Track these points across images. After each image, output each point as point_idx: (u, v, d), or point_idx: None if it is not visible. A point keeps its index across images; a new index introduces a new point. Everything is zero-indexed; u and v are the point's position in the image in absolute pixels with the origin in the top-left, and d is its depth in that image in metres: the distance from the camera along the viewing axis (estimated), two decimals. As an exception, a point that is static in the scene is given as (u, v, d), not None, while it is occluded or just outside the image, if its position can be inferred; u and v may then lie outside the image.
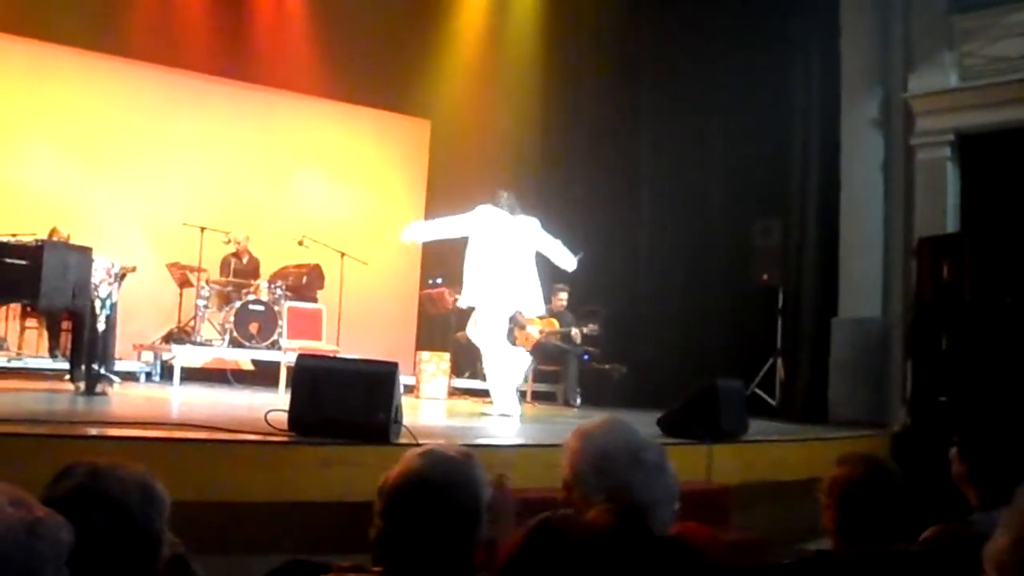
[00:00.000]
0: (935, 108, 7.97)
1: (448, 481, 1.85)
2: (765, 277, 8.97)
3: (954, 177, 7.93)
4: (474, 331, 7.08)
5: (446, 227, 7.20)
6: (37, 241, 6.17)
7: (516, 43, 11.23)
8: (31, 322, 8.28)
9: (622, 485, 1.96)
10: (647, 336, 9.89)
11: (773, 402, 8.67)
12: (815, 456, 5.62)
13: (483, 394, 9.18)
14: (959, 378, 6.97)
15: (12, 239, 6.15)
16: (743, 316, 9.24)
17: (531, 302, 7.03)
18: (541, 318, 9.39)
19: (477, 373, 9.67)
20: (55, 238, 7.52)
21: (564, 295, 9.40)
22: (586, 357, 9.27)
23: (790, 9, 8.88)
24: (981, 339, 6.99)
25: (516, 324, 9.39)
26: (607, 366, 9.52)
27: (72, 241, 7.39)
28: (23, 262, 5.62)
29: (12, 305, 7.36)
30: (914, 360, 7.58)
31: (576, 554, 1.16)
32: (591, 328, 9.13)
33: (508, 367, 6.94)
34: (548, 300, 9.45)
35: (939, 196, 7.91)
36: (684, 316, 9.66)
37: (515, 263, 6.85)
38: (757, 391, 8.57)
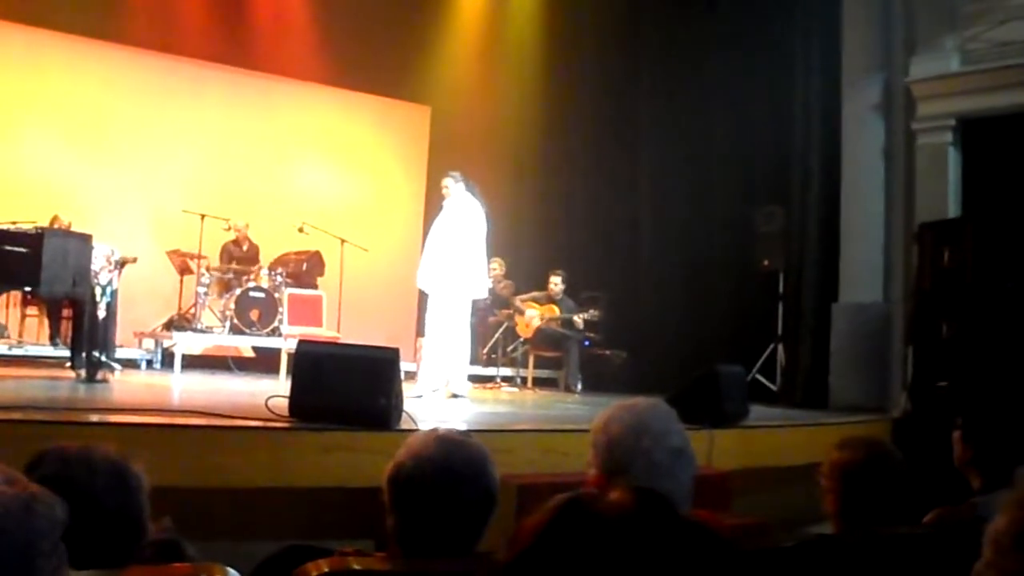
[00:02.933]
0: (937, 93, 7.93)
1: (467, 466, 1.85)
2: (766, 262, 8.97)
3: (955, 162, 7.89)
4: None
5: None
6: (37, 228, 6.16)
7: (516, 27, 11.20)
8: (32, 310, 8.28)
9: (655, 471, 1.95)
10: (648, 322, 9.89)
11: (774, 387, 8.67)
12: (816, 441, 5.61)
13: (484, 380, 9.20)
14: (960, 364, 6.96)
15: (12, 227, 6.15)
16: (744, 301, 9.24)
17: (475, 285, 7.16)
18: (541, 304, 9.40)
19: (477, 359, 9.68)
20: (57, 226, 7.51)
21: (558, 279, 9.40)
22: (587, 343, 9.28)
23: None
24: (982, 324, 6.98)
25: (515, 310, 9.41)
26: (608, 352, 9.53)
27: (73, 229, 7.39)
28: (23, 249, 5.62)
29: (13, 293, 7.35)
30: (915, 345, 7.57)
31: (607, 532, 1.15)
32: (592, 314, 9.14)
33: (448, 348, 7.03)
34: (543, 286, 9.52)
35: (940, 181, 7.88)
36: (685, 301, 9.66)
37: (462, 247, 7.00)
38: (758, 376, 8.58)
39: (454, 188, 7.13)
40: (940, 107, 7.91)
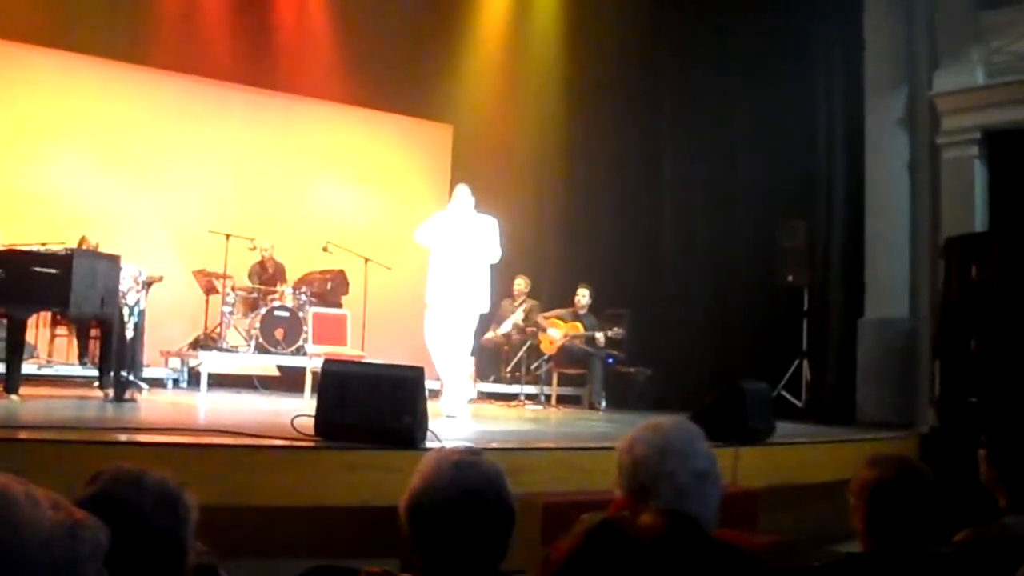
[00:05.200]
0: (961, 106, 7.88)
1: (483, 486, 1.84)
2: (790, 278, 8.91)
3: (981, 175, 7.83)
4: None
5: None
6: (66, 250, 6.23)
7: (537, 46, 11.23)
8: (61, 330, 8.37)
9: (681, 493, 1.93)
10: (672, 338, 9.85)
11: (799, 404, 8.60)
12: (842, 458, 5.57)
13: (508, 398, 9.19)
14: (988, 379, 6.89)
15: (42, 248, 6.23)
16: (768, 317, 9.18)
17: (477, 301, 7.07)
18: (566, 321, 9.38)
19: (501, 378, 9.67)
20: (84, 246, 7.60)
21: (585, 291, 9.37)
22: (611, 360, 9.25)
23: (814, 8, 8.82)
24: (1011, 339, 6.90)
25: (539, 327, 9.40)
26: (632, 369, 9.49)
27: (101, 249, 7.47)
28: (53, 270, 5.68)
29: (42, 313, 7.43)
30: (942, 361, 7.49)
31: (640, 555, 1.16)
32: (615, 331, 9.10)
33: (455, 367, 6.98)
34: (566, 304, 9.50)
35: (966, 195, 7.82)
36: (709, 318, 9.61)
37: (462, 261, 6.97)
38: (783, 393, 8.51)
39: (469, 201, 7.12)
40: (965, 120, 7.85)
